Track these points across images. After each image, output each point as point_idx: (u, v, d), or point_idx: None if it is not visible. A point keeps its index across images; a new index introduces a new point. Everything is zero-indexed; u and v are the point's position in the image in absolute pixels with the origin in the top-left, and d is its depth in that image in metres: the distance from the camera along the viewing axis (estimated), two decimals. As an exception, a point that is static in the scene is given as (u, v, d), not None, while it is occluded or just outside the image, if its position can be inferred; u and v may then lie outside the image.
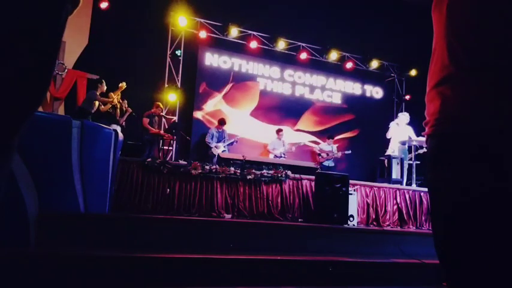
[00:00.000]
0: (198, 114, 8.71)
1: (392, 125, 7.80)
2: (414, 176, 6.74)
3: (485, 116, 0.72)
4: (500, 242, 0.68)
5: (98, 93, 6.15)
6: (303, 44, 9.54)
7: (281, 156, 8.06)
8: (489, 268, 0.69)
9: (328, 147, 8.62)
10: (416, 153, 6.88)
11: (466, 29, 0.79)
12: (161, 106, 7.55)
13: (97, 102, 6.14)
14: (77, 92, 7.49)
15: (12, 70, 0.58)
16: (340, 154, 8.39)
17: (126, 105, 6.65)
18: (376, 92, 10.60)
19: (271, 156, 8.16)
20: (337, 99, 10.10)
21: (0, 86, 0.57)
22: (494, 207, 0.69)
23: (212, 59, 9.00)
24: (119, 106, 6.49)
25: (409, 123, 7.57)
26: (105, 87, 6.19)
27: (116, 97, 6.33)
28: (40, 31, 0.60)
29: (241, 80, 9.20)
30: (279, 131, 8.44)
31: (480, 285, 0.70)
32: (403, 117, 7.69)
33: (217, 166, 5.33)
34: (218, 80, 8.97)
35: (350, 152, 8.51)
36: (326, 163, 8.36)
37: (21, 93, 0.60)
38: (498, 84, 0.72)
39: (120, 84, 6.22)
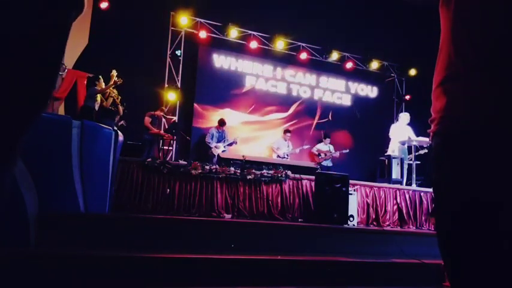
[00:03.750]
0: (197, 118, 8.71)
1: (393, 126, 7.85)
2: (414, 176, 6.74)
3: (491, 115, 0.72)
4: (503, 242, 0.68)
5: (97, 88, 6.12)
6: (303, 44, 9.54)
7: (284, 157, 8.04)
8: (492, 268, 0.69)
9: (325, 147, 8.60)
10: (416, 153, 6.87)
11: (473, 25, 0.77)
12: (164, 110, 7.63)
13: (99, 97, 6.12)
14: (77, 92, 7.47)
15: (26, 72, 0.61)
16: (338, 154, 8.36)
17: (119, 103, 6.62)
18: (376, 92, 10.60)
19: (274, 156, 8.15)
20: (337, 99, 10.10)
21: (14, 87, 0.60)
22: (497, 207, 0.69)
23: (212, 59, 8.99)
24: (119, 102, 6.46)
25: (409, 124, 7.57)
26: (103, 84, 6.17)
27: (113, 91, 6.28)
28: (52, 35, 0.63)
29: (241, 80, 9.20)
30: (286, 131, 8.41)
31: (483, 285, 0.70)
32: (404, 117, 7.70)
33: (217, 166, 5.33)
34: (218, 80, 8.96)
35: (348, 150, 8.48)
36: (325, 163, 8.35)
37: (33, 94, 0.64)
38: (505, 82, 0.71)
39: (111, 74, 6.11)
